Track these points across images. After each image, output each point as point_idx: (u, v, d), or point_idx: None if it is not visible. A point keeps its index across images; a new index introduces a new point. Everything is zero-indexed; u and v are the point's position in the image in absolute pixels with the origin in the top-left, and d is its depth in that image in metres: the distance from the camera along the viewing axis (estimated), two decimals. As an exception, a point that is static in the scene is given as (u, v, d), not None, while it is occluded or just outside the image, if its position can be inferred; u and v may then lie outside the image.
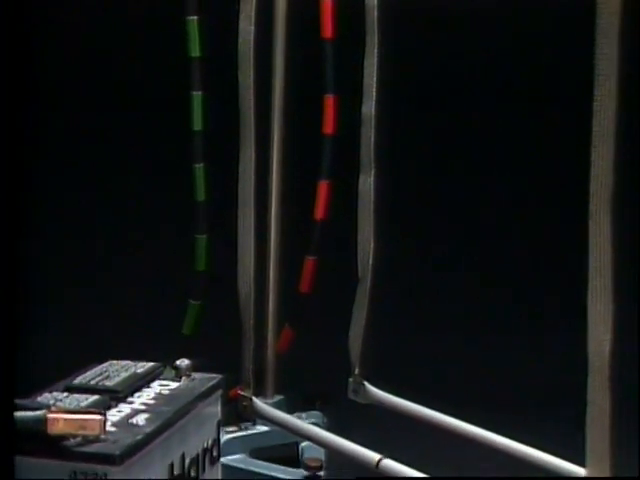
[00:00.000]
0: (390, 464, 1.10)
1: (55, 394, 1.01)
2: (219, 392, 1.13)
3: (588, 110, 0.83)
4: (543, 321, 1.80)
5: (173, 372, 1.12)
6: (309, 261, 1.43)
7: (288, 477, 1.29)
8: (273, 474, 1.30)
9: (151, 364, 1.12)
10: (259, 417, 1.36)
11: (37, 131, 1.96)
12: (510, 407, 1.45)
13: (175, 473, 1.02)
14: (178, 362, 1.13)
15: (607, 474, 0.85)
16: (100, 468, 0.90)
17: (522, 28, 1.88)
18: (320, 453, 1.30)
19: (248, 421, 1.37)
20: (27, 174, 1.84)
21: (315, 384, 1.45)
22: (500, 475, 1.17)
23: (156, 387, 1.08)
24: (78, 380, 1.05)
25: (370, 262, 1.35)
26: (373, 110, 1.34)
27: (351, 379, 1.37)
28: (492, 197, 1.95)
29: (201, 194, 1.47)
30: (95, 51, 1.93)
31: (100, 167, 1.96)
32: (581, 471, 0.87)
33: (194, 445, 1.06)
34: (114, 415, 0.98)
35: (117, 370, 1.09)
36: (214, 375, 1.13)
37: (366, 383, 1.37)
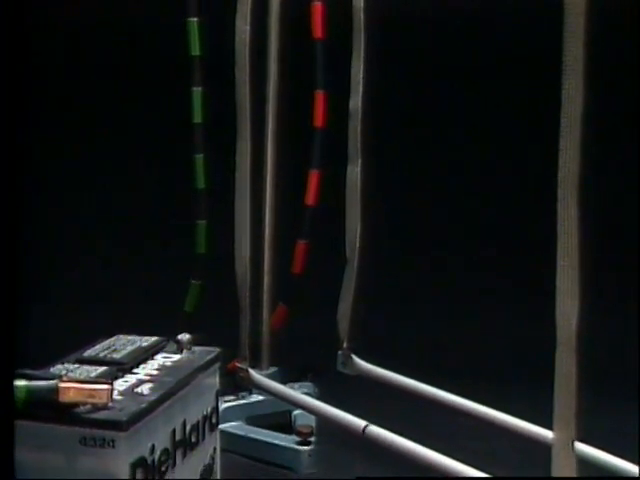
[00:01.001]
0: (375, 430, 1.11)
1: (67, 365, 1.01)
2: (217, 364, 1.13)
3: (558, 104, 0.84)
4: (518, 297, 1.80)
5: (175, 346, 1.12)
6: (301, 244, 1.43)
7: (281, 443, 1.29)
8: (268, 440, 1.30)
9: (155, 338, 1.13)
10: (255, 387, 1.37)
11: (45, 128, 1.96)
12: (486, 376, 1.45)
13: (177, 438, 1.02)
14: (180, 336, 1.13)
15: (572, 437, 0.85)
16: (108, 433, 0.90)
17: (499, 28, 1.88)
18: (311, 420, 1.31)
19: (245, 391, 1.38)
20: (32, 171, 1.84)
21: (307, 357, 1.46)
22: (474, 437, 1.18)
23: (160, 359, 1.09)
24: (88, 353, 1.05)
25: (357, 245, 1.36)
26: (360, 105, 1.35)
27: (340, 352, 1.38)
28: (469, 183, 1.95)
29: (201, 182, 1.47)
30: (101, 51, 1.92)
31: (107, 158, 1.96)
32: (549, 434, 0.88)
33: (194, 413, 1.07)
34: (121, 385, 0.99)
35: (124, 344, 1.10)
36: (213, 348, 1.13)
37: (354, 356, 1.37)
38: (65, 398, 0.91)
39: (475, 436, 1.18)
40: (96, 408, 0.91)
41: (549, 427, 0.88)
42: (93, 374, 0.98)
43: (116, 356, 1.05)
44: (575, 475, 0.85)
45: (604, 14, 0.95)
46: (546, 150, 0.86)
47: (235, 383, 1.36)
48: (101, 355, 1.05)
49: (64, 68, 1.95)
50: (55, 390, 0.91)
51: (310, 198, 1.42)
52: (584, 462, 0.92)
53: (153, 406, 0.96)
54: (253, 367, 1.38)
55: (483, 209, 1.96)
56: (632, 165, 1.84)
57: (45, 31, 1.89)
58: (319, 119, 1.40)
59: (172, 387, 1.00)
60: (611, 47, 1.54)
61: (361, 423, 1.12)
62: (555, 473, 0.86)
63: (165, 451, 0.99)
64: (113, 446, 0.90)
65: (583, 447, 0.96)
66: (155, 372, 1.04)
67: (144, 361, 1.06)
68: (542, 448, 0.91)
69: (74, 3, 1.90)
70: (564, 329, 0.85)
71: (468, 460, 1.00)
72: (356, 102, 1.34)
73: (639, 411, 1.31)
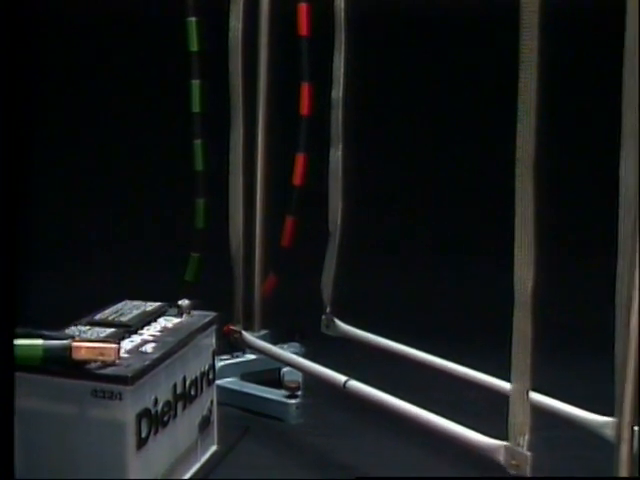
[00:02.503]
0: (355, 385, 1.11)
1: (79, 327, 1.02)
2: (214, 326, 1.14)
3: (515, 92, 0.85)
4: (480, 266, 1.80)
5: (176, 310, 1.13)
6: (289, 220, 1.43)
7: (272, 396, 1.29)
8: (259, 394, 1.31)
9: (158, 304, 1.13)
10: (248, 347, 1.37)
11: (55, 118, 1.96)
12: (453, 336, 1.45)
13: (177, 392, 1.03)
14: (180, 302, 1.13)
15: (528, 388, 0.86)
16: (115, 387, 0.91)
17: (463, 23, 1.88)
18: (298, 376, 1.31)
19: (239, 351, 1.38)
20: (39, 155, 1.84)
21: (294, 320, 1.45)
22: (442, 389, 1.18)
23: (162, 322, 1.10)
24: (98, 316, 1.06)
25: (339, 220, 1.36)
26: (341, 95, 1.35)
27: (323, 316, 1.38)
28: (438, 168, 1.96)
29: (200, 165, 1.46)
30: (109, 48, 1.92)
31: (115, 145, 1.96)
32: (507, 385, 0.89)
33: (193, 369, 1.07)
34: (127, 344, 1.00)
35: (130, 308, 1.10)
36: (210, 313, 1.14)
37: (336, 319, 1.38)
38: (77, 356, 0.91)
39: (443, 388, 1.18)
40: (105, 365, 0.92)
41: (508, 380, 0.89)
42: (102, 335, 0.99)
43: (123, 319, 1.06)
44: (529, 420, 0.86)
45: (557, 11, 0.95)
46: (506, 133, 0.87)
47: (230, 344, 1.36)
48: (110, 318, 1.05)
49: (75, 63, 1.94)
50: (69, 349, 0.91)
51: (297, 179, 1.41)
52: (537, 409, 0.93)
53: (156, 363, 0.97)
54: (246, 329, 1.39)
55: (448, 189, 1.96)
56: (582, 146, 1.85)
57: (56, 28, 1.89)
58: (305, 108, 1.39)
59: (173, 346, 1.01)
60: (563, 41, 1.54)
61: (342, 378, 1.12)
62: (512, 419, 0.87)
63: (167, 403, 1.00)
64: (120, 398, 0.91)
65: (537, 396, 0.97)
66: (158, 333, 1.05)
67: (148, 323, 1.07)
68: (502, 398, 0.92)
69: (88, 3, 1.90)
70: (521, 292, 0.86)
71: (436, 409, 1.00)
72: (337, 92, 1.34)
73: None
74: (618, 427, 0.87)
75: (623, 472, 0.87)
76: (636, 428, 0.86)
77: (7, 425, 0.83)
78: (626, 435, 0.87)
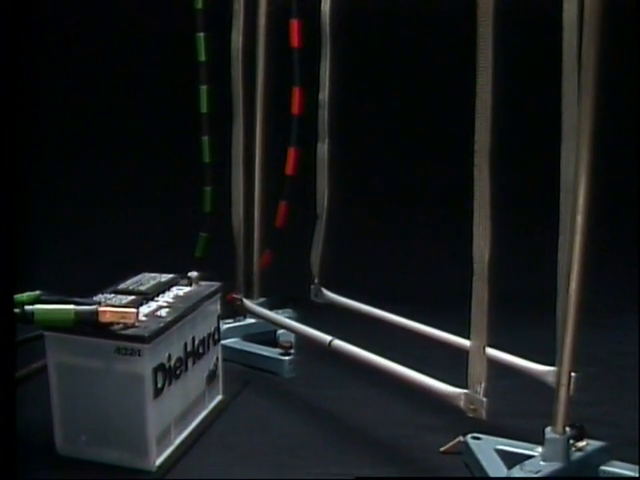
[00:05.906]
0: (338, 343, 1.12)
1: (105, 295, 1.03)
2: (219, 294, 1.15)
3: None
4: (447, 241, 1.79)
5: (186, 281, 1.14)
6: (283, 204, 1.43)
7: (268, 354, 1.30)
8: (258, 352, 1.31)
9: (172, 275, 1.14)
10: (248, 313, 1.38)
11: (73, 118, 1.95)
12: (421, 301, 1.45)
13: (188, 350, 1.04)
14: (190, 274, 1.14)
15: (484, 344, 0.87)
16: (135, 345, 0.92)
17: (434, 35, 1.87)
18: (291, 337, 1.31)
19: (240, 316, 1.39)
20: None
21: (288, 290, 1.45)
22: (413, 347, 1.18)
23: (175, 291, 1.10)
24: (121, 286, 1.07)
25: (325, 204, 1.36)
26: (327, 97, 1.35)
27: (312, 286, 1.39)
28: (412, 160, 1.95)
29: (207, 157, 1.47)
30: (132, 58, 1.91)
31: (134, 142, 1.95)
32: (467, 343, 0.90)
33: (201, 331, 1.08)
34: (145, 309, 1.01)
35: (148, 279, 1.11)
36: (215, 283, 1.15)
37: (323, 289, 1.39)
38: (103, 319, 0.92)
39: (413, 346, 1.18)
40: (127, 326, 0.93)
41: (468, 338, 0.90)
42: (124, 301, 1.00)
43: (142, 288, 1.06)
44: (485, 371, 0.87)
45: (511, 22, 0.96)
46: (467, 128, 0.87)
47: (233, 309, 1.37)
48: (130, 287, 1.06)
49: (100, 70, 1.93)
50: (96, 313, 0.92)
51: (289, 169, 1.41)
52: (492, 362, 0.93)
53: (169, 325, 0.98)
54: (247, 297, 1.39)
55: (420, 176, 1.96)
56: (529, 139, 1.85)
57: (81, 37, 1.88)
58: (296, 108, 1.39)
59: (184, 311, 1.02)
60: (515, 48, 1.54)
61: (327, 338, 1.13)
62: (471, 370, 0.88)
63: (179, 359, 1.01)
64: (139, 355, 0.91)
65: (492, 351, 0.98)
66: (171, 300, 1.05)
67: (163, 292, 1.08)
68: (463, 353, 0.93)
69: (107, 18, 1.89)
70: (479, 263, 0.86)
71: (408, 363, 1.01)
72: (324, 94, 1.35)
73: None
74: (558, 374, 0.89)
75: (561, 411, 0.88)
76: (573, 374, 0.88)
77: (7, 422, 0.81)
78: (564, 380, 0.88)
